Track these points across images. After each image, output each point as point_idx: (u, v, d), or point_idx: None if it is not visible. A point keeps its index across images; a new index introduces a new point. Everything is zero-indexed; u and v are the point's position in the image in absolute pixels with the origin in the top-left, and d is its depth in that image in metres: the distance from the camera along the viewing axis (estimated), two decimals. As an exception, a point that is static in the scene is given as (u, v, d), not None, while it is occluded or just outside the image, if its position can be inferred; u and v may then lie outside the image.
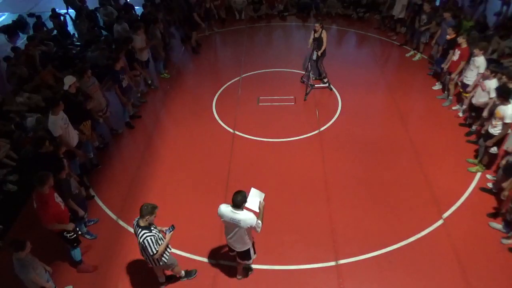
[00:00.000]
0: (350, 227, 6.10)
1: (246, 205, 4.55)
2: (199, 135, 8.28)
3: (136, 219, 4.50)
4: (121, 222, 6.39)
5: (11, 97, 8.66)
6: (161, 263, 4.74)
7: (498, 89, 6.32)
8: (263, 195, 4.69)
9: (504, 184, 5.68)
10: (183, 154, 7.80)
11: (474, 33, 9.30)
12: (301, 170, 7.19)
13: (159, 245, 4.49)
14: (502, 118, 6.14)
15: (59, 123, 6.11)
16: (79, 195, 5.80)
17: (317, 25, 8.94)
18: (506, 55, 9.87)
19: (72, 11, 13.71)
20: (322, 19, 11.96)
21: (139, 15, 11.74)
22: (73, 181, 5.65)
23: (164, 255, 4.73)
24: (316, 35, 8.99)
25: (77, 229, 5.47)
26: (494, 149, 6.51)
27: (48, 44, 11.18)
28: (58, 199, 5.09)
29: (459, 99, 8.52)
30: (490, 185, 6.59)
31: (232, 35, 12.86)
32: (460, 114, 8.29)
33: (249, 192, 4.64)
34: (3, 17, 15.30)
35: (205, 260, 5.71)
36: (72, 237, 5.28)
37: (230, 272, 5.54)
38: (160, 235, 4.59)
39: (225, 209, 4.55)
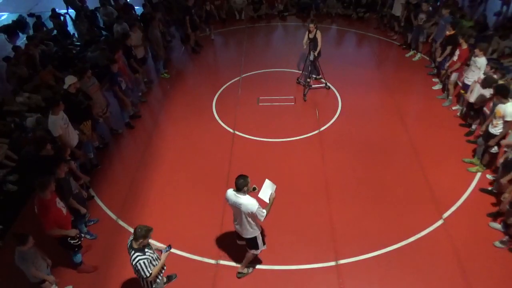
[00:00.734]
0: (350, 227, 6.10)
1: (259, 195, 4.74)
2: (199, 135, 8.28)
3: (130, 239, 4.29)
4: (121, 222, 6.39)
5: (11, 97, 8.67)
6: (154, 286, 4.52)
7: (496, 88, 6.34)
8: (274, 186, 4.85)
9: (503, 180, 5.67)
10: (183, 154, 7.80)
11: (471, 32, 9.35)
12: (301, 170, 7.19)
13: (154, 266, 4.29)
14: (502, 117, 6.15)
15: (59, 123, 6.11)
16: (79, 195, 5.80)
17: (311, 25, 8.87)
18: (506, 55, 9.87)
19: (72, 11, 13.70)
20: (318, 20, 11.89)
21: (139, 15, 11.75)
22: (73, 180, 5.65)
23: (159, 276, 4.52)
24: (311, 36, 8.95)
25: (81, 234, 5.43)
26: (495, 149, 6.51)
27: (48, 44, 11.18)
28: (59, 204, 5.04)
29: (459, 99, 8.51)
30: (490, 188, 6.58)
31: (232, 35, 12.86)
32: (458, 114, 8.30)
33: (263, 183, 4.82)
34: (3, 17, 15.31)
35: (205, 260, 5.71)
36: (77, 243, 5.26)
37: (230, 272, 5.54)
38: (156, 255, 4.40)
39: (230, 192, 4.73)
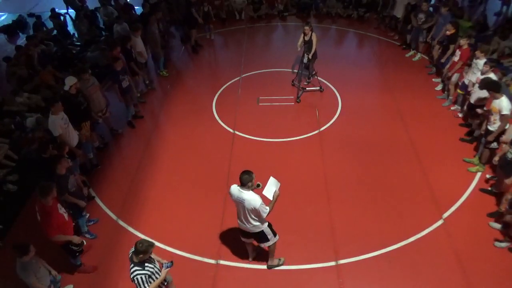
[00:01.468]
0: (350, 227, 6.10)
1: (263, 192, 4.76)
2: (199, 135, 8.28)
3: (131, 251, 4.18)
4: (121, 222, 6.39)
5: (11, 97, 8.67)
6: None
7: (488, 84, 6.37)
8: (279, 184, 4.85)
9: (508, 181, 5.65)
10: (183, 154, 7.80)
11: (471, 32, 9.36)
12: (301, 170, 7.19)
13: (153, 280, 4.18)
14: (498, 112, 6.18)
15: (59, 122, 6.10)
16: (78, 192, 5.78)
17: (306, 28, 8.80)
18: (506, 55, 9.87)
19: (72, 11, 13.71)
20: (318, 20, 11.90)
21: (139, 15, 11.74)
22: (71, 179, 5.63)
23: None
24: (306, 38, 8.89)
25: (83, 241, 5.43)
26: (494, 144, 6.52)
27: (48, 44, 11.19)
28: (61, 210, 5.03)
29: (458, 100, 8.51)
30: (490, 188, 6.58)
31: (232, 35, 12.86)
32: (460, 115, 8.30)
33: (267, 180, 4.83)
34: (3, 17, 15.31)
35: (205, 260, 5.71)
36: (79, 250, 5.27)
37: (230, 272, 5.54)
38: (156, 268, 4.27)
39: (234, 187, 4.77)
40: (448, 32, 8.46)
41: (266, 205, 4.68)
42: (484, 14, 11.30)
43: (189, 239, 5.94)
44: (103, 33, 12.40)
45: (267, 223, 5.00)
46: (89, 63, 10.09)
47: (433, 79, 9.68)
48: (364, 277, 5.39)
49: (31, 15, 13.82)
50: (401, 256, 5.62)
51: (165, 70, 10.50)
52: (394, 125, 8.25)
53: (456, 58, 8.07)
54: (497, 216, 6.00)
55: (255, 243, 5.31)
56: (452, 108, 8.60)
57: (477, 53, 7.36)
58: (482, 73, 7.04)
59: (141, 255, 4.06)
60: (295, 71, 9.75)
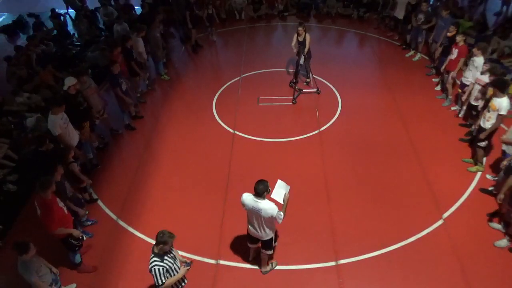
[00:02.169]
0: (350, 227, 6.10)
1: (272, 196, 4.66)
2: (199, 135, 8.28)
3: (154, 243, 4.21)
4: (121, 222, 6.39)
5: (11, 97, 8.67)
6: None
7: (495, 81, 6.35)
8: (288, 187, 4.80)
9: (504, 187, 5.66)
10: (183, 154, 7.79)
11: (470, 32, 9.36)
12: (301, 170, 7.19)
13: (170, 275, 4.16)
14: (497, 110, 6.17)
15: (58, 122, 6.10)
16: (74, 197, 5.79)
17: (300, 28, 8.76)
18: (506, 55, 9.87)
19: (72, 11, 13.71)
20: (318, 20, 11.88)
21: (139, 15, 11.74)
22: (67, 183, 5.63)
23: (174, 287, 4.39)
24: (300, 39, 8.86)
25: (83, 236, 5.45)
26: (484, 143, 6.52)
27: (48, 44, 11.19)
28: (60, 203, 5.06)
29: (458, 99, 8.51)
30: (490, 188, 6.57)
31: (232, 35, 12.86)
32: (460, 115, 8.30)
33: (275, 184, 4.75)
34: (3, 17, 15.31)
35: (205, 260, 5.71)
36: (78, 244, 5.28)
37: (230, 272, 5.54)
38: (175, 266, 4.26)
39: (247, 197, 4.63)
40: (449, 34, 8.43)
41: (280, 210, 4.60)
42: (484, 14, 11.30)
43: (189, 239, 5.93)
44: (103, 33, 12.41)
45: (275, 231, 4.97)
46: (89, 63, 10.10)
47: (433, 79, 9.69)
48: (364, 277, 5.39)
49: (31, 15, 13.82)
50: (401, 256, 5.62)
51: (165, 71, 10.46)
52: (394, 125, 8.25)
53: (453, 56, 8.07)
54: (497, 216, 6.00)
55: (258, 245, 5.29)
56: (452, 108, 8.60)
57: (475, 50, 7.36)
58: (482, 73, 7.04)
59: (161, 245, 4.06)
60: (291, 70, 9.73)
